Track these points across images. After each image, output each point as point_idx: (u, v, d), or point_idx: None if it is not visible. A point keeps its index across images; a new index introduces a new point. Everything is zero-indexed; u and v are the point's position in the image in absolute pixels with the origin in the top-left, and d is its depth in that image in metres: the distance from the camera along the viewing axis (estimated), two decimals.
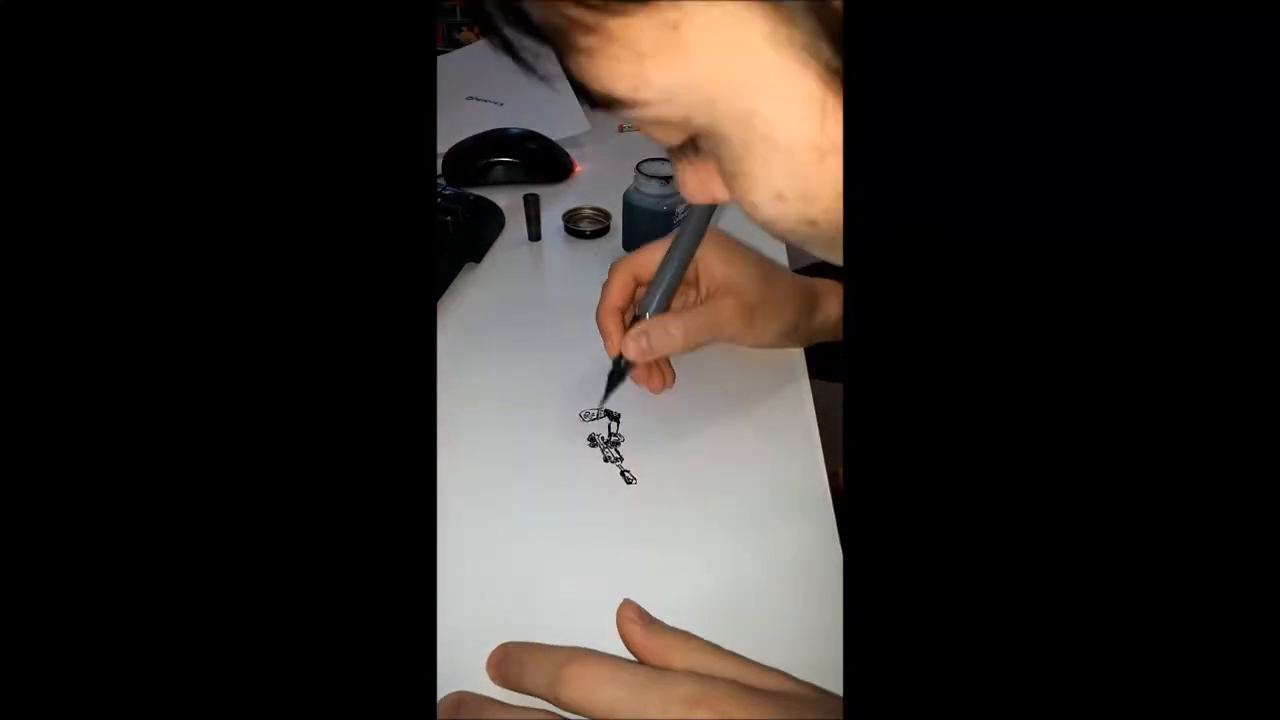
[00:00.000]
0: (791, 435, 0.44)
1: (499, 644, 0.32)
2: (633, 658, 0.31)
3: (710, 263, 0.44)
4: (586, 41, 0.23)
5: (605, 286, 0.44)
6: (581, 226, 0.63)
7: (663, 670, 0.29)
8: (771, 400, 0.46)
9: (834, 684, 0.30)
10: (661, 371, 0.46)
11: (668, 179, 0.56)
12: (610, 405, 0.45)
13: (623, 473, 0.41)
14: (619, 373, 0.43)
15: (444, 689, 0.31)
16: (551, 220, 0.64)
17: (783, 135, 0.23)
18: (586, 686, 0.28)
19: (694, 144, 0.27)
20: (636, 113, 0.25)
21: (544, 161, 0.71)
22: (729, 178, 0.26)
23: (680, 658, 0.31)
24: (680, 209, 0.58)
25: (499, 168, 0.69)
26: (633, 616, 0.33)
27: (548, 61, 0.25)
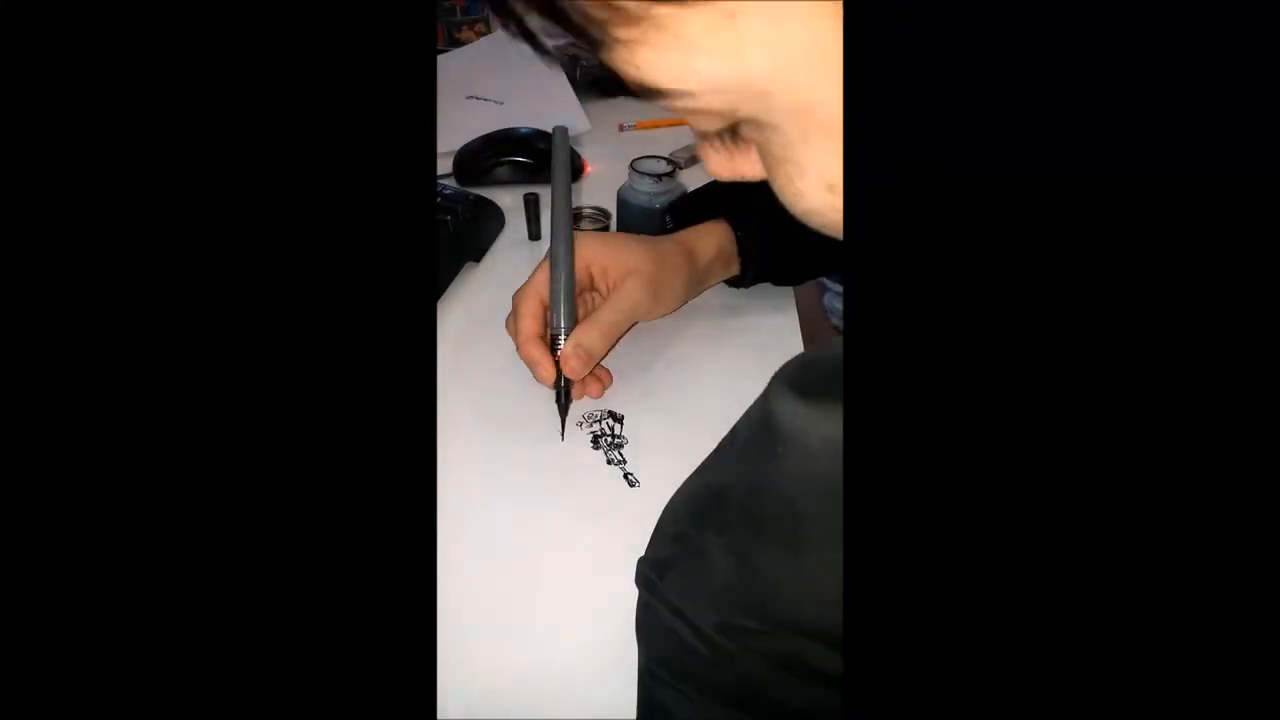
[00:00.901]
0: None
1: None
2: None
3: (598, 258, 0.45)
4: (629, 33, 0.21)
5: (516, 320, 0.45)
6: (581, 226, 0.63)
7: None
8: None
9: None
10: (598, 376, 0.46)
11: (661, 177, 0.56)
12: (613, 407, 0.45)
13: (626, 475, 0.41)
14: (566, 394, 0.44)
15: (445, 692, 0.31)
16: None
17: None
18: None
19: (733, 130, 0.25)
20: (678, 103, 0.23)
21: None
22: (775, 163, 0.25)
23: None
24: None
25: (509, 167, 0.69)
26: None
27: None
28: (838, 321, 0.89)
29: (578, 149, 0.74)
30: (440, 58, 0.91)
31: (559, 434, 0.44)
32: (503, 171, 0.69)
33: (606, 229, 0.63)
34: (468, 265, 0.58)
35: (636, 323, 0.46)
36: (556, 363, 0.43)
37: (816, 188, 0.24)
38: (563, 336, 0.43)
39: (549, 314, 0.44)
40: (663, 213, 0.57)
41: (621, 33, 0.21)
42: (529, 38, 0.23)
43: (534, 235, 0.62)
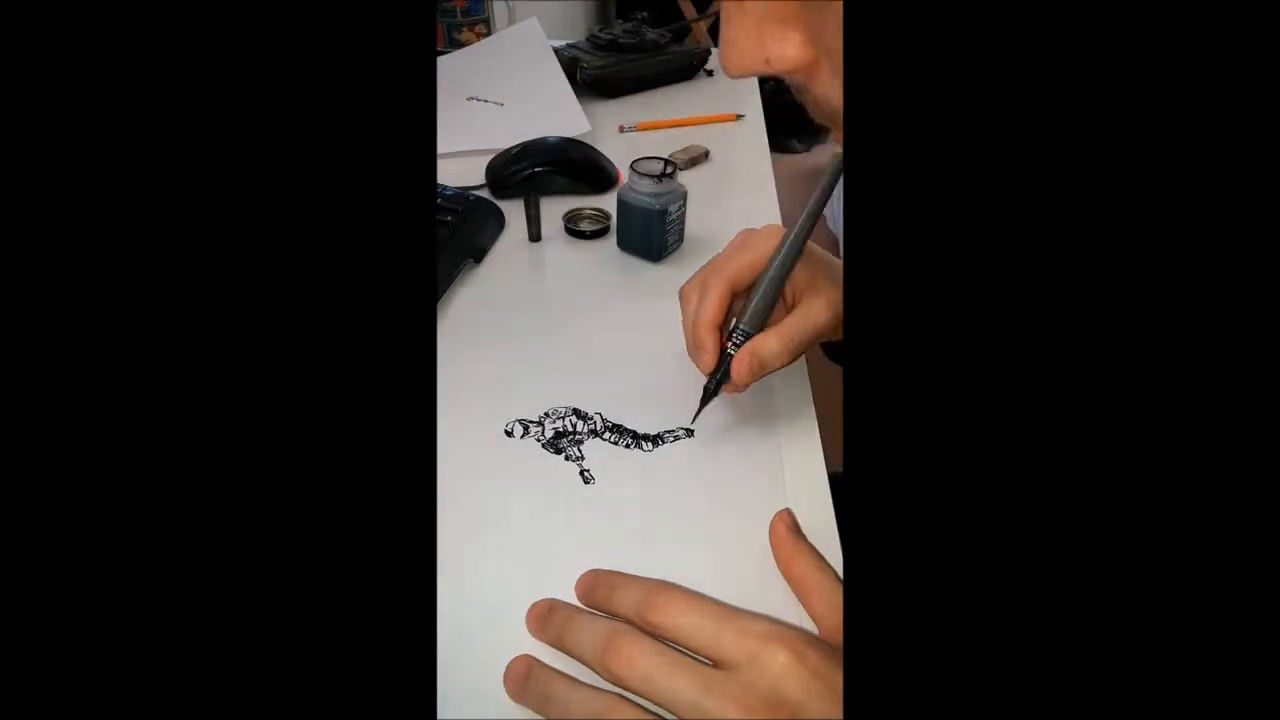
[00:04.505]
0: (791, 435, 0.44)
1: (588, 570, 0.35)
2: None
3: (794, 270, 0.43)
4: None
5: (702, 300, 0.43)
6: (581, 227, 0.63)
7: (742, 611, 0.31)
8: (770, 399, 0.46)
9: None
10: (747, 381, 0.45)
11: (660, 177, 0.56)
12: (593, 402, 0.45)
13: (582, 472, 0.42)
14: (716, 388, 0.43)
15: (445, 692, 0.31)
16: (552, 220, 0.64)
17: None
18: (672, 611, 0.30)
19: None
20: None
21: (588, 171, 0.70)
22: (825, 53, 0.24)
23: (801, 564, 0.35)
24: (673, 208, 0.58)
25: (542, 177, 0.68)
26: (788, 521, 0.37)
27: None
28: (834, 227, 0.89)
29: None
30: (440, 58, 0.91)
31: (533, 436, 0.44)
32: (540, 182, 0.68)
33: (606, 230, 0.63)
34: (468, 265, 0.58)
35: (817, 342, 0.44)
36: (722, 354, 0.42)
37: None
38: (739, 336, 0.42)
39: (741, 308, 0.43)
40: (663, 213, 0.57)
41: None
42: None
43: (534, 236, 0.62)
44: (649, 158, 0.58)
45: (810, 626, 0.34)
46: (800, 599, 0.35)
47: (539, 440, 0.44)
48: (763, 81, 1.04)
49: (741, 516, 0.39)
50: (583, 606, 0.34)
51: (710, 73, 1.01)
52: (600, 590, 0.34)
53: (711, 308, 0.42)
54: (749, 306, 0.42)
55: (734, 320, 0.43)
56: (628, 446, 0.43)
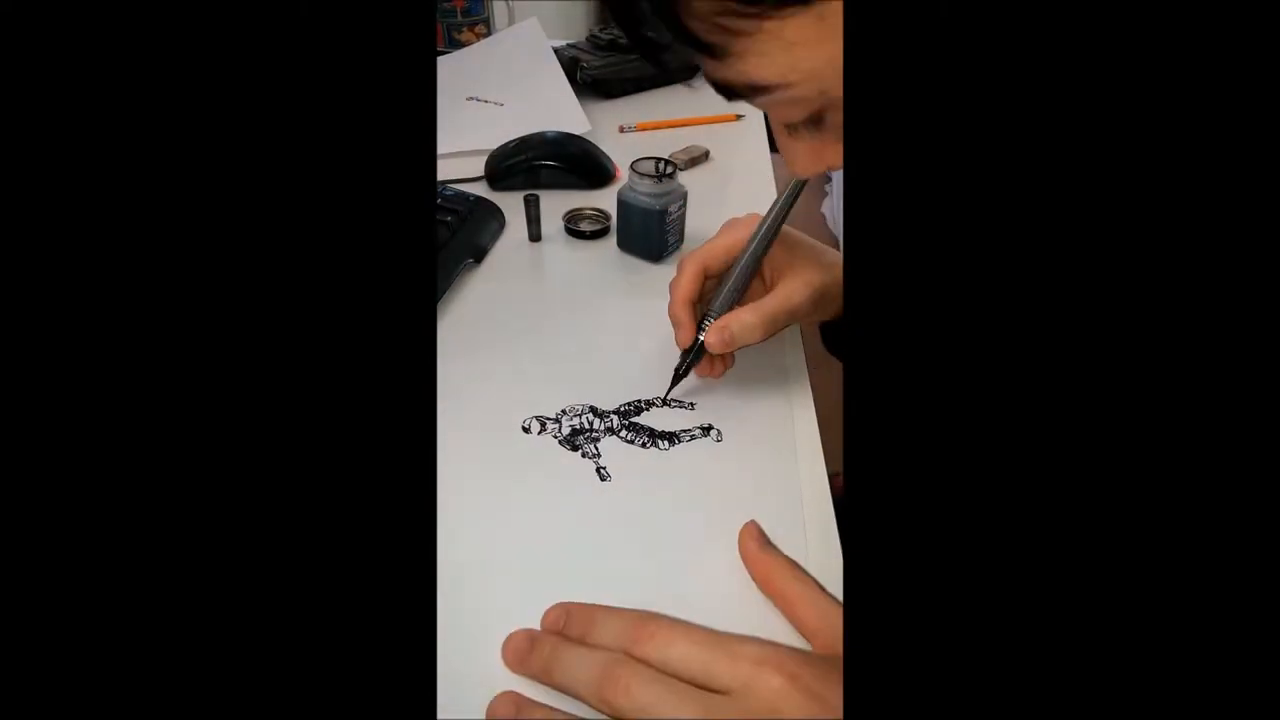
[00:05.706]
0: (791, 435, 0.44)
1: (557, 603, 0.33)
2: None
3: (775, 255, 0.45)
4: (743, 44, 0.27)
5: (677, 279, 0.45)
6: (581, 227, 0.63)
7: (730, 635, 0.31)
8: (771, 400, 0.46)
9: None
10: (723, 359, 0.46)
11: (660, 178, 0.56)
12: (595, 401, 0.45)
13: (599, 470, 0.42)
14: (688, 366, 0.45)
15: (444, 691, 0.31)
16: (552, 221, 0.64)
17: None
18: (660, 642, 0.30)
19: (815, 120, 0.30)
20: (776, 96, 0.28)
21: (586, 165, 0.70)
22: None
23: (779, 577, 0.34)
24: (673, 208, 0.58)
25: (540, 171, 0.69)
26: (755, 535, 0.36)
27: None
28: (834, 228, 0.89)
29: None
30: (440, 58, 0.91)
31: (554, 431, 0.44)
32: (540, 176, 0.69)
33: (606, 230, 0.63)
34: (468, 265, 0.58)
35: (792, 324, 0.46)
36: (696, 334, 0.44)
37: None
38: (712, 317, 0.44)
39: (712, 285, 0.46)
40: (662, 213, 0.57)
41: (737, 45, 0.27)
42: (645, 45, 0.29)
43: (534, 236, 0.62)
44: (649, 158, 0.58)
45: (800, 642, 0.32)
46: (786, 614, 0.33)
47: (555, 437, 0.44)
48: None
49: (757, 515, 0.39)
50: (567, 637, 0.32)
51: None
52: (576, 625, 0.32)
53: (685, 284, 0.45)
54: (720, 291, 0.44)
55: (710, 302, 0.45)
56: (644, 445, 0.43)
